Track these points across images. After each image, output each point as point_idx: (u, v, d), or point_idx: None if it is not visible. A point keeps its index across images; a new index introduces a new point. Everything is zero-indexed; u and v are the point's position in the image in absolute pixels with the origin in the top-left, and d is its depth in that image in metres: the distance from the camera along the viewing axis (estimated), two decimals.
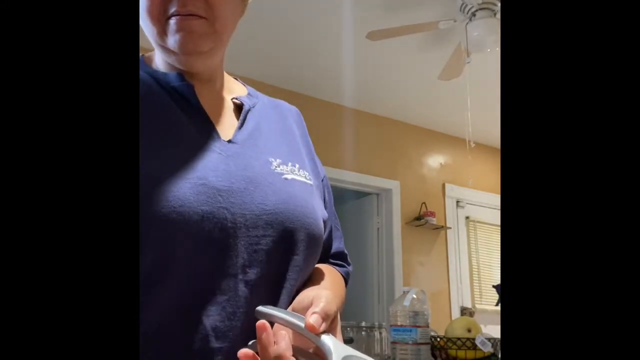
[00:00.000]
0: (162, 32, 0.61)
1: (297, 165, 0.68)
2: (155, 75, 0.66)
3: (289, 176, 0.65)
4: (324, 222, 0.69)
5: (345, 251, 0.78)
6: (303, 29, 2.76)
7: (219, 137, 0.64)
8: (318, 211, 0.66)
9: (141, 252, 0.51)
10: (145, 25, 0.63)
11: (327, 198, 0.76)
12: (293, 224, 0.60)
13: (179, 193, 0.54)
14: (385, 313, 3.30)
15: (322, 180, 0.76)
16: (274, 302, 0.58)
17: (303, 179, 0.67)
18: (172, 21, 0.60)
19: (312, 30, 2.79)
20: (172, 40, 0.61)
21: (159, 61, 0.68)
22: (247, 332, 0.55)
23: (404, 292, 1.46)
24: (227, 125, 0.67)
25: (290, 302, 0.59)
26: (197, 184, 0.56)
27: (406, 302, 1.41)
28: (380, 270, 3.61)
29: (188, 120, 0.63)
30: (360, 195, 3.80)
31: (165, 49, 0.64)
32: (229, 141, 0.64)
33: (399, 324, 1.41)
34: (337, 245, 0.76)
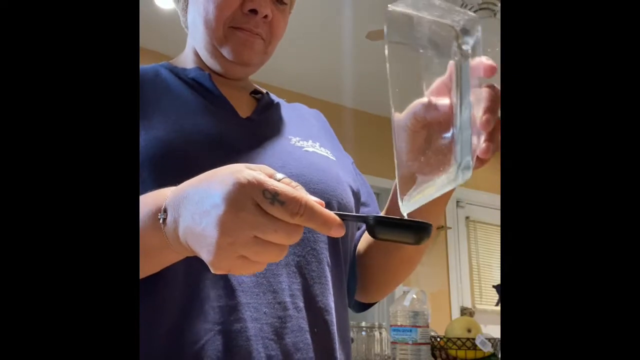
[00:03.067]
0: (223, 38, 0.66)
1: (317, 143, 0.69)
2: (174, 71, 0.69)
3: (310, 149, 0.66)
4: (359, 198, 0.70)
5: None
6: (303, 28, 2.76)
7: (236, 114, 0.66)
8: (344, 180, 0.65)
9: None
10: (204, 27, 0.66)
11: (360, 181, 0.78)
12: (317, 185, 0.60)
13: (194, 154, 0.56)
14: (385, 313, 3.30)
15: (351, 164, 0.78)
16: (299, 261, 0.58)
17: (325, 154, 0.68)
18: (240, 33, 0.65)
19: (312, 30, 2.79)
20: (231, 49, 0.66)
21: (187, 62, 0.72)
22: (273, 288, 0.55)
23: (404, 292, 1.46)
24: (244, 110, 0.69)
25: (318, 263, 0.59)
26: (214, 147, 0.58)
27: (406, 302, 1.41)
28: None
29: (204, 101, 0.65)
30: None
31: (215, 53, 0.67)
32: (247, 118, 0.66)
33: (399, 324, 1.41)
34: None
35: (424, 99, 0.47)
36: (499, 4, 2.38)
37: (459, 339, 1.47)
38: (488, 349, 1.42)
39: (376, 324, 1.74)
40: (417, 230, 0.42)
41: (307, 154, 0.65)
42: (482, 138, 0.46)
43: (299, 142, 0.67)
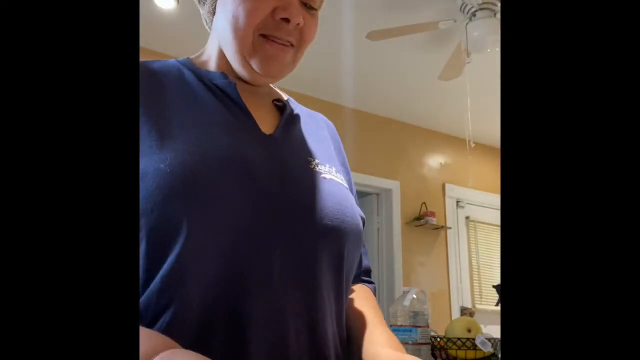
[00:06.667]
0: (252, 48, 0.64)
1: (333, 169, 0.69)
2: (197, 73, 0.68)
3: (327, 176, 0.66)
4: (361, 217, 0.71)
5: (371, 267, 0.80)
6: None
7: (259, 129, 0.65)
8: (357, 211, 0.66)
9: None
10: (233, 35, 0.64)
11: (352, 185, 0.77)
12: (332, 221, 0.61)
13: (210, 180, 0.55)
14: (385, 313, 3.30)
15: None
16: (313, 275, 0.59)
17: (340, 181, 0.67)
18: (269, 46, 0.64)
19: None
20: (259, 62, 0.65)
21: (210, 63, 0.70)
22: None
23: (404, 292, 1.46)
24: (267, 124, 0.68)
25: (333, 278, 0.60)
26: (232, 172, 0.57)
27: (406, 302, 1.41)
28: (380, 270, 3.61)
29: (228, 114, 0.64)
30: (361, 195, 3.81)
31: (243, 63, 0.66)
32: (269, 135, 0.65)
33: (399, 324, 1.41)
34: (366, 262, 0.79)
35: None
36: (499, 4, 2.38)
37: (459, 339, 1.47)
38: (488, 349, 1.42)
39: None
40: None
41: (324, 182, 0.64)
42: None
43: (317, 166, 0.66)
